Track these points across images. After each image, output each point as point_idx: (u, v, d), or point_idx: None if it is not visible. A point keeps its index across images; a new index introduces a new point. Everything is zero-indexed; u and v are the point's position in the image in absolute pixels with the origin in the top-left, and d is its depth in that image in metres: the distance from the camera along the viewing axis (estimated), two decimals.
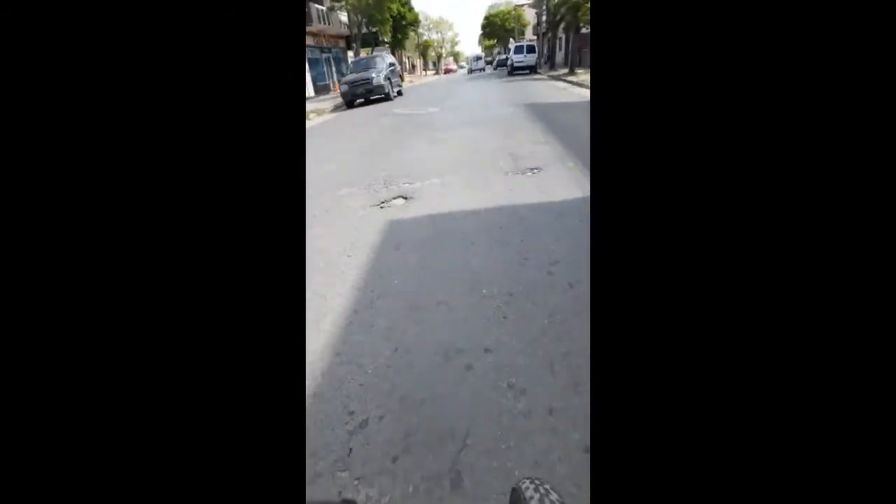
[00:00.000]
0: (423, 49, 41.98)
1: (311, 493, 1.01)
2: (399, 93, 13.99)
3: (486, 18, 42.05)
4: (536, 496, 0.47)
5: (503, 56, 34.16)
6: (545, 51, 25.79)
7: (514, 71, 20.26)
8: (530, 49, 20.08)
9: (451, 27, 50.01)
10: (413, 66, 42.58)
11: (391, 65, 13.38)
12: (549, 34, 30.35)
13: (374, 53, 16.37)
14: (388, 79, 12.58)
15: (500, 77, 20.27)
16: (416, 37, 37.60)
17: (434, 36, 48.00)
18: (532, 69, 20.01)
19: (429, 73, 50.02)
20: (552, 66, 19.91)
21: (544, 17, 31.30)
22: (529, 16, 40.66)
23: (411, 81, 23.22)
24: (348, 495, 1.00)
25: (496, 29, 41.84)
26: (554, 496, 0.47)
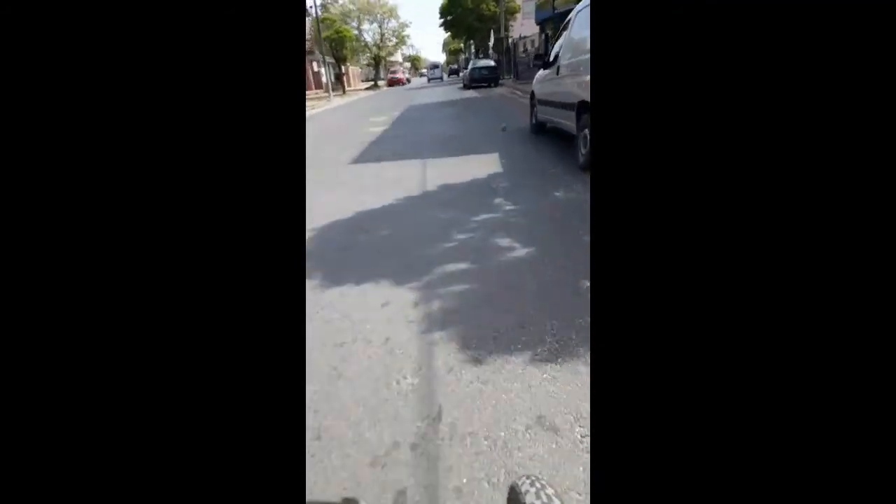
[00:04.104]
0: (335, 46, 24.21)
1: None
2: None
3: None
4: (532, 490, 0.50)
5: (479, 63, 17.56)
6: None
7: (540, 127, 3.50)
8: None
9: (391, 13, 32.05)
10: (339, 77, 24.84)
11: None
12: None
13: None
14: None
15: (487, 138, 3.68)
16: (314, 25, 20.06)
17: (365, 27, 30.43)
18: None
19: (361, 86, 32.94)
20: None
21: None
22: None
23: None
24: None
25: (463, 17, 25.00)
26: (550, 491, 0.50)
